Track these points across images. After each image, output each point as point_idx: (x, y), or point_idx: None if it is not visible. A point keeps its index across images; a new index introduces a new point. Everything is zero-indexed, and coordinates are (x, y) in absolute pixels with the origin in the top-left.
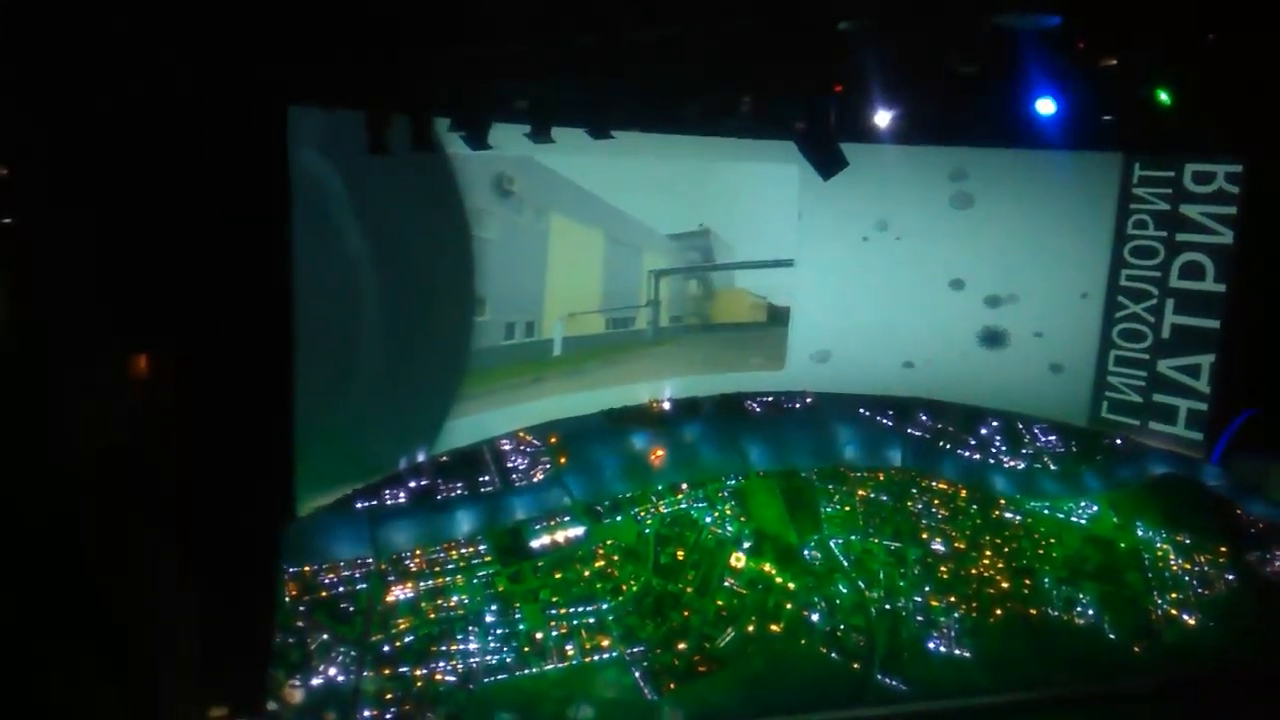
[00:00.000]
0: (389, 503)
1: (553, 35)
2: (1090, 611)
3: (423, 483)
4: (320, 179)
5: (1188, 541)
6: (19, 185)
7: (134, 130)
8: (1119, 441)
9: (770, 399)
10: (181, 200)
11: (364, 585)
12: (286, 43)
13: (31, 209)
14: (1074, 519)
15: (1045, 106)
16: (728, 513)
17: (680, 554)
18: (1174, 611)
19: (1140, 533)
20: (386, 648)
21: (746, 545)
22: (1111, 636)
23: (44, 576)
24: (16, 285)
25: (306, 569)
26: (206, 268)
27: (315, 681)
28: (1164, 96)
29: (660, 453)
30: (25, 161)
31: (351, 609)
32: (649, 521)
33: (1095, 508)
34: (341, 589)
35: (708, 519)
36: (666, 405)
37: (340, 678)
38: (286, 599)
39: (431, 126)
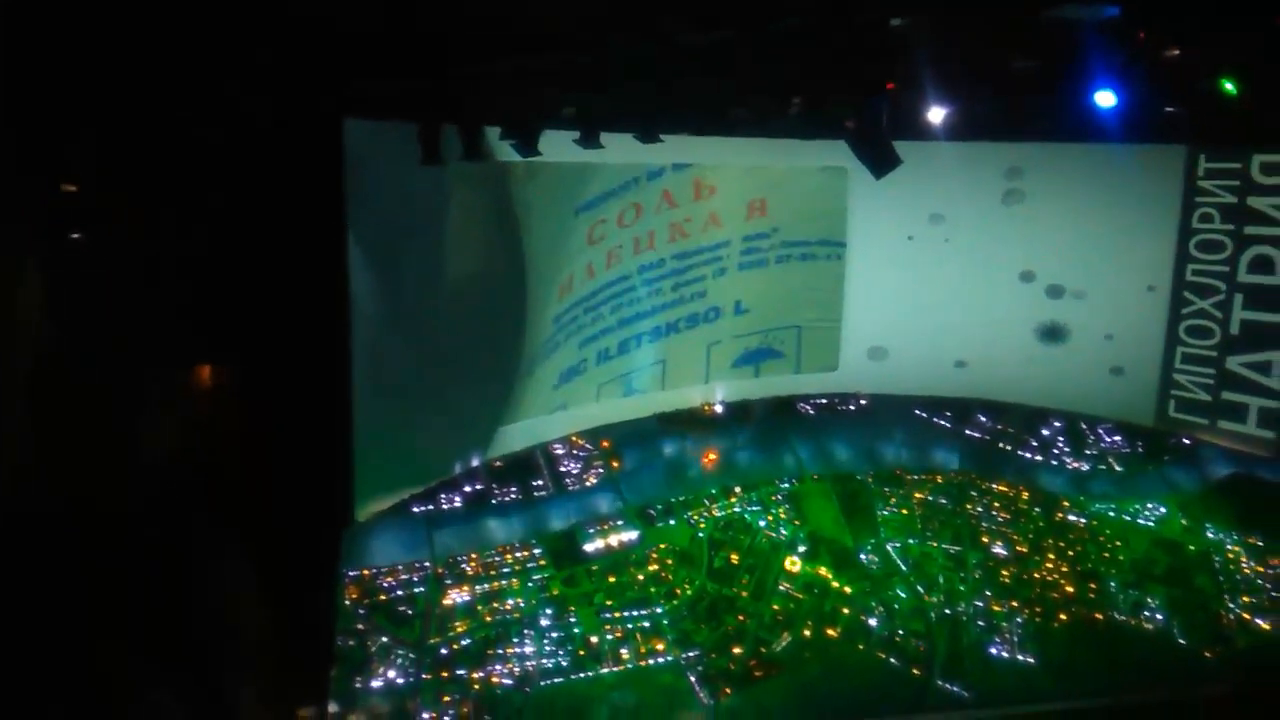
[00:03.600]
0: (445, 507)
1: (602, 42)
2: (1159, 616)
3: (478, 488)
4: (375, 190)
5: (1260, 544)
6: (87, 201)
7: (197, 149)
8: (1187, 441)
9: (823, 400)
10: (242, 215)
11: (422, 589)
12: (340, 58)
13: (100, 225)
14: (1140, 521)
15: (1105, 99)
16: (782, 516)
17: (734, 558)
18: (1247, 616)
19: (1210, 535)
20: (444, 650)
21: (801, 549)
22: (1182, 642)
23: (111, 583)
24: (83, 300)
25: (365, 572)
26: (268, 282)
27: (375, 683)
28: (1229, 86)
29: (713, 456)
30: (94, 178)
31: (410, 612)
32: (702, 525)
33: (1163, 510)
34: (400, 592)
35: (762, 523)
36: (719, 408)
37: (399, 680)
38: (346, 602)
39: (483, 136)
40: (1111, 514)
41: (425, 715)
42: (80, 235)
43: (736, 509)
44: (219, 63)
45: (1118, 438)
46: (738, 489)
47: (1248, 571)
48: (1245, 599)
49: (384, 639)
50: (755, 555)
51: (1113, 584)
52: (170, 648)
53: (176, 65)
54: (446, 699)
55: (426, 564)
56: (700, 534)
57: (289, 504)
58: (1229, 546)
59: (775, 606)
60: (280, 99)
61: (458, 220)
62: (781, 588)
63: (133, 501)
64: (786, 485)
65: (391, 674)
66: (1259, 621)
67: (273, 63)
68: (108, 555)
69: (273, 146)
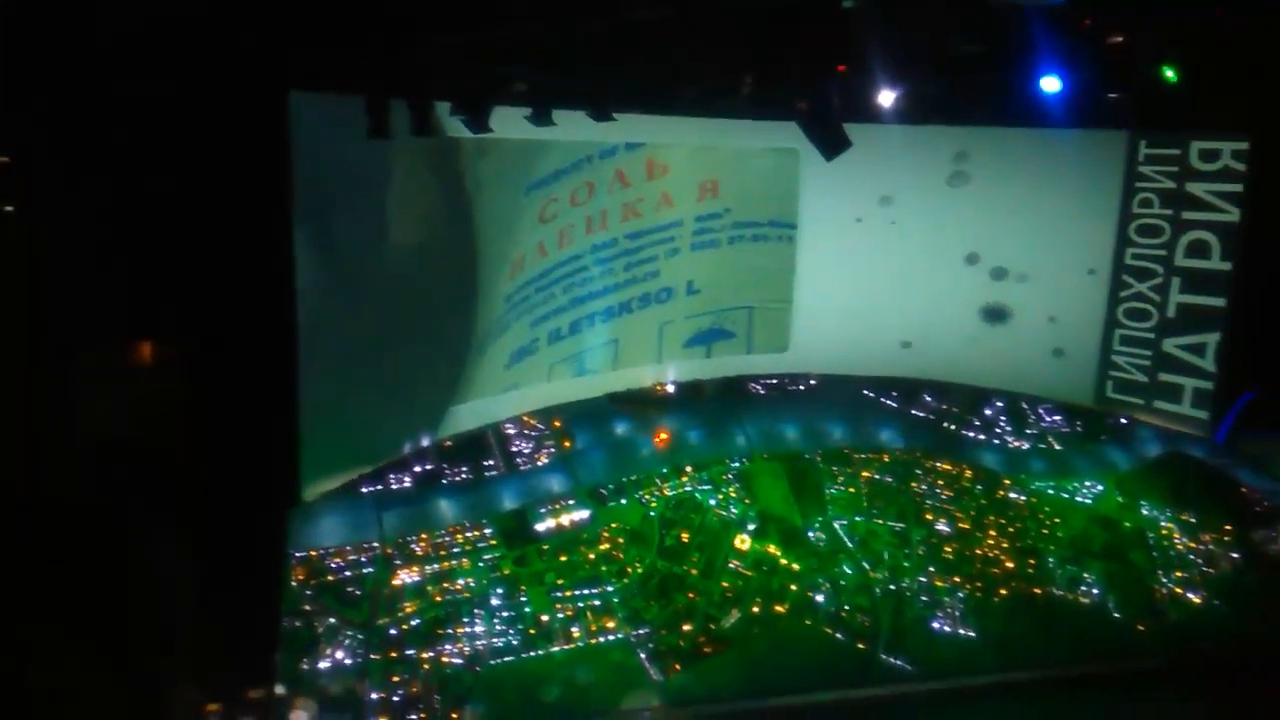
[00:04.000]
0: (394, 487)
1: (554, 18)
2: (1095, 591)
3: (428, 467)
4: (321, 164)
5: (1193, 520)
6: (21, 175)
7: (136, 120)
8: (1124, 421)
9: (774, 381)
10: (183, 188)
11: (370, 569)
12: (286, 29)
13: (34, 199)
14: (1079, 499)
15: (1050, 85)
16: (732, 495)
17: (685, 536)
18: (1179, 590)
19: (1145, 512)
20: (393, 631)
21: (751, 527)
22: (1116, 615)
23: (49, 564)
24: (17, 275)
25: (313, 553)
26: (209, 256)
27: (322, 664)
28: (1170, 74)
29: (664, 436)
30: (27, 152)
31: (358, 593)
32: (653, 504)
33: (1100, 487)
34: (348, 573)
35: (712, 501)
36: (670, 388)
37: (347, 661)
38: (293, 583)
39: (432, 111)
40: (1051, 491)
41: (373, 696)
42: (11, 209)
43: (687, 488)
44: (160, 31)
45: (1058, 417)
46: (689, 468)
47: (1180, 547)
48: (1178, 574)
49: (331, 620)
50: (706, 533)
51: (1051, 560)
52: (109, 631)
53: (117, 36)
54: (395, 679)
55: (375, 544)
56: (651, 513)
57: (234, 484)
58: (1163, 523)
59: (725, 584)
60: (225, 69)
61: (406, 196)
62: (731, 565)
63: (71, 481)
64: (737, 464)
65: (339, 655)
66: (1190, 595)
67: (216, 31)
68: (42, 537)
69: (216, 118)
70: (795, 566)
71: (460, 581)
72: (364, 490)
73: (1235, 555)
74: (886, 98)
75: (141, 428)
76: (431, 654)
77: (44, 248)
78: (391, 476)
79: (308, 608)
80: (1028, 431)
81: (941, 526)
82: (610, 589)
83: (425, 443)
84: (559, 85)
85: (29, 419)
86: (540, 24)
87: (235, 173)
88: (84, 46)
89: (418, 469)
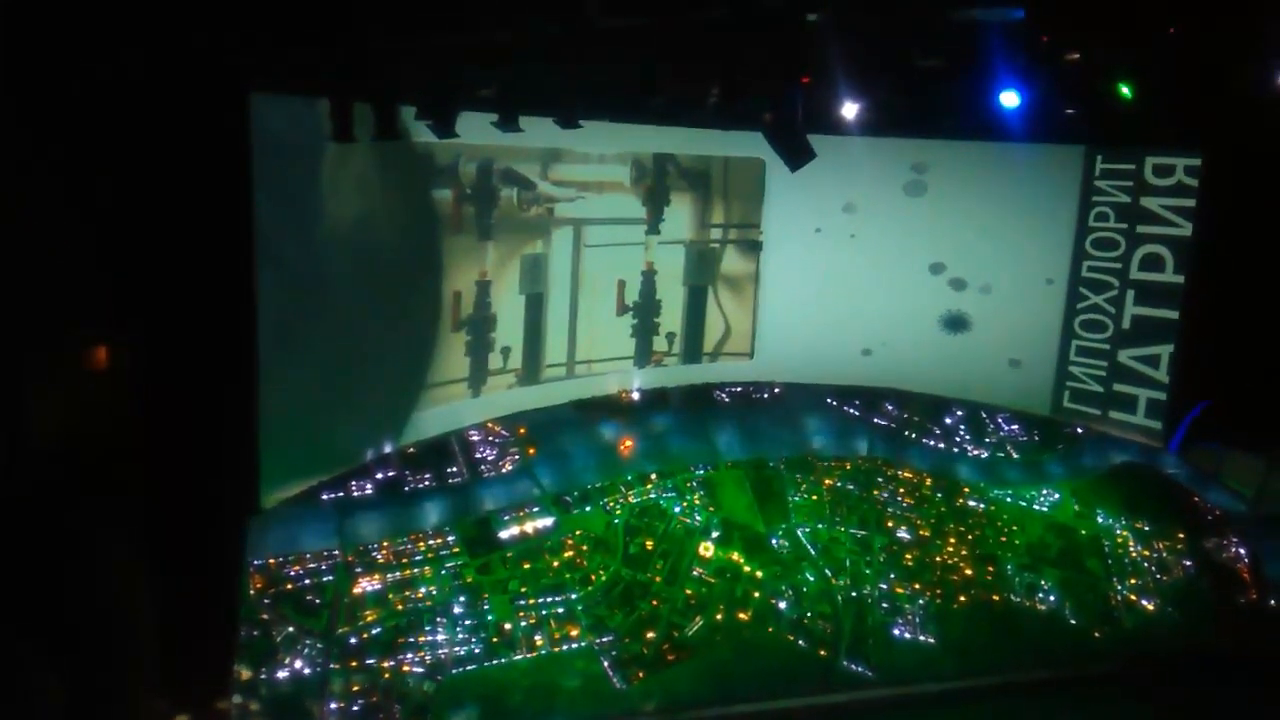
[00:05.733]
0: (356, 494)
1: (521, 23)
2: (1052, 598)
3: (390, 474)
4: (282, 167)
5: (1147, 528)
6: None
7: (93, 117)
8: (1080, 430)
9: (738, 389)
10: (141, 188)
11: (330, 577)
12: (248, 29)
13: None
14: (1036, 507)
15: (1009, 99)
16: (696, 502)
17: (649, 544)
18: (1133, 597)
19: (1101, 520)
20: (353, 640)
21: (715, 535)
22: (1073, 622)
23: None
24: None
25: (272, 561)
26: (167, 257)
27: (281, 674)
28: (1125, 90)
29: (629, 443)
30: None
31: (318, 601)
32: (618, 512)
33: (1057, 495)
34: (307, 581)
35: (676, 509)
36: (635, 395)
37: (306, 670)
38: (251, 592)
39: (397, 114)
40: (1009, 499)
41: (333, 705)
42: None
43: (652, 495)
44: (117, 28)
45: (1016, 426)
46: (653, 475)
47: (1135, 555)
48: (1132, 581)
49: (290, 629)
50: (670, 541)
51: (1009, 567)
52: (61, 641)
53: (71, 32)
54: (355, 688)
55: (336, 552)
56: (616, 520)
57: (191, 490)
58: (1118, 531)
59: (688, 591)
60: (184, 69)
61: (369, 199)
62: (695, 573)
63: (20, 486)
64: (701, 472)
65: (298, 664)
66: (1144, 603)
67: (176, 29)
68: None
69: (175, 118)
70: (758, 574)
71: (422, 589)
72: (325, 497)
73: (1188, 563)
74: (849, 109)
75: (96, 432)
76: (392, 663)
77: None
78: (353, 483)
79: (266, 616)
80: (987, 440)
81: (902, 534)
82: (574, 596)
83: (387, 449)
84: (525, 91)
85: None
86: (507, 28)
87: (195, 174)
88: (37, 44)
89: (379, 475)
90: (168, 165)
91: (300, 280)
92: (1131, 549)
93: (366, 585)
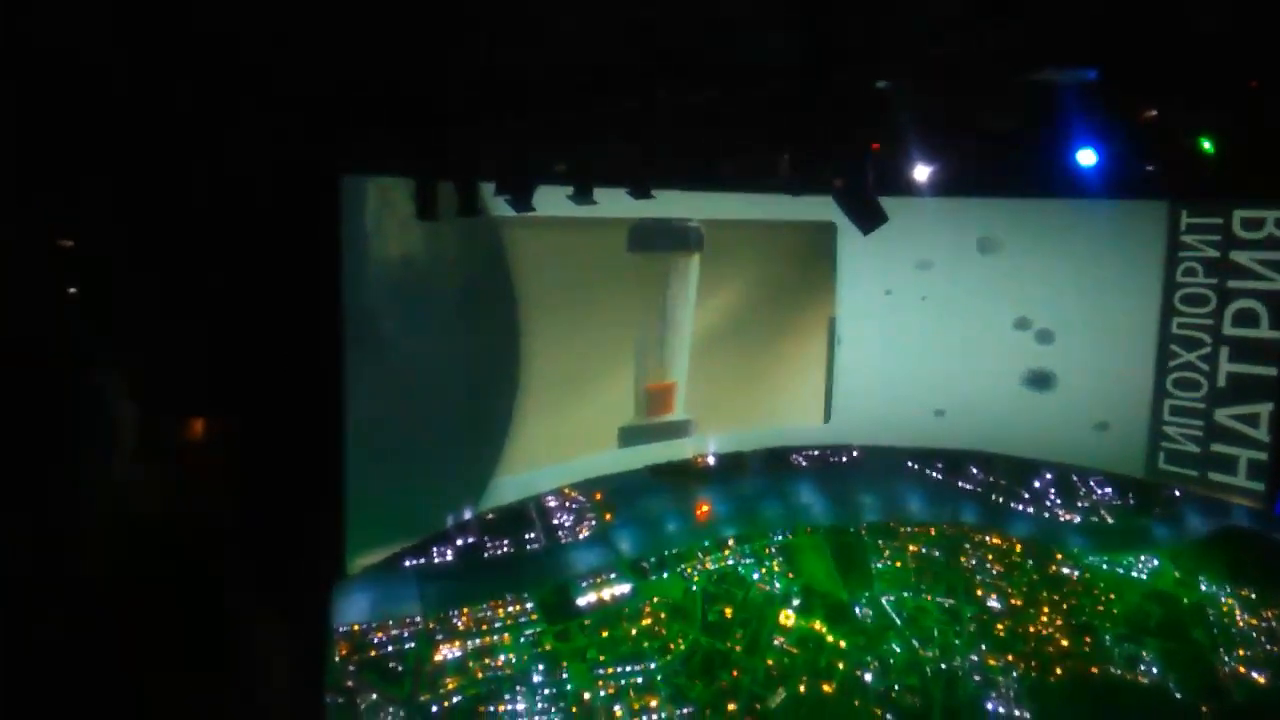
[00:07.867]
0: (437, 561)
1: (594, 101)
2: (1154, 670)
3: (470, 541)
4: (371, 244)
5: (1254, 595)
6: (86, 256)
7: (200, 204)
8: (1178, 494)
9: (815, 452)
10: (236, 266)
11: (412, 644)
12: (336, 117)
13: (101, 279)
14: (1134, 574)
15: (1086, 158)
16: (775, 569)
17: (728, 611)
18: (1242, 669)
19: (1204, 587)
20: (435, 708)
21: (796, 602)
22: (1178, 696)
23: (92, 642)
24: (89, 349)
25: (356, 627)
26: (263, 333)
27: None
28: (1207, 145)
29: (706, 508)
30: (93, 234)
31: (400, 669)
32: (696, 578)
33: (1156, 562)
34: (390, 648)
35: (755, 575)
36: (711, 460)
37: None
38: (337, 658)
39: (477, 191)
40: (1105, 566)
41: None
42: (77, 290)
43: (730, 561)
44: (220, 119)
45: (1109, 489)
46: (730, 541)
47: (1242, 624)
48: (1241, 652)
49: (374, 696)
50: (749, 609)
51: (1107, 637)
52: (154, 705)
53: (179, 121)
54: None
55: (417, 619)
56: (694, 587)
57: (279, 558)
58: (1223, 599)
59: (769, 661)
60: (277, 157)
61: (452, 275)
62: (776, 642)
63: (119, 557)
64: (780, 538)
65: None
66: (1255, 675)
67: (271, 119)
68: (84, 610)
69: (271, 203)
70: (842, 644)
71: (502, 657)
72: (407, 564)
73: None
74: (921, 172)
75: (192, 502)
76: None
77: (102, 327)
78: (434, 549)
79: (350, 683)
80: (1079, 505)
81: (993, 603)
82: (653, 666)
83: (467, 516)
84: (599, 164)
85: (81, 490)
86: (581, 107)
87: (289, 253)
88: (149, 132)
89: (459, 542)
90: (264, 244)
91: (386, 355)
92: (1238, 617)
93: (447, 652)
